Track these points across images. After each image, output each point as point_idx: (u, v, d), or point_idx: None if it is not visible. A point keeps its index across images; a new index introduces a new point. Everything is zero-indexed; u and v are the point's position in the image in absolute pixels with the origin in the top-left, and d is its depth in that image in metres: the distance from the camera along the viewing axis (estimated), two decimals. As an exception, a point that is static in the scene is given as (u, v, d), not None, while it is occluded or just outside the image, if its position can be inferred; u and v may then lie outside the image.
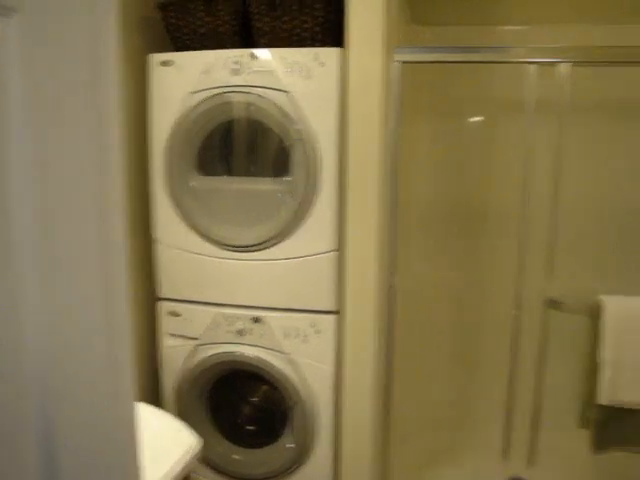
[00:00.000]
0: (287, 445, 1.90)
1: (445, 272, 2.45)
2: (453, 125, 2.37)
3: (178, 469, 1.23)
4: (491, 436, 2.06)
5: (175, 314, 1.92)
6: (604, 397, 1.78)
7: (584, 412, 1.90)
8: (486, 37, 2.23)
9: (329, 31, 1.74)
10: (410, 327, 2.36)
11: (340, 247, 1.76)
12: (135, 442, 0.65)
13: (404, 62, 1.70)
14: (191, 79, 1.77)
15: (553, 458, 2.10)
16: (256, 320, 1.84)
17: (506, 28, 2.24)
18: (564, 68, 1.65)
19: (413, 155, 2.34)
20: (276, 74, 1.71)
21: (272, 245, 1.79)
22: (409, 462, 2.25)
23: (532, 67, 1.67)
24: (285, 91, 1.71)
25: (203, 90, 1.77)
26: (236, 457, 1.98)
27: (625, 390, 1.78)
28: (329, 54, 1.68)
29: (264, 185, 1.82)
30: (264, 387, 2.02)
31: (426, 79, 2.30)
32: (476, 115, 2.36)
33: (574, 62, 1.66)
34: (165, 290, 1.93)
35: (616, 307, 1.78)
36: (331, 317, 1.79)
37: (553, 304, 1.77)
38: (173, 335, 1.94)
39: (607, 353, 1.77)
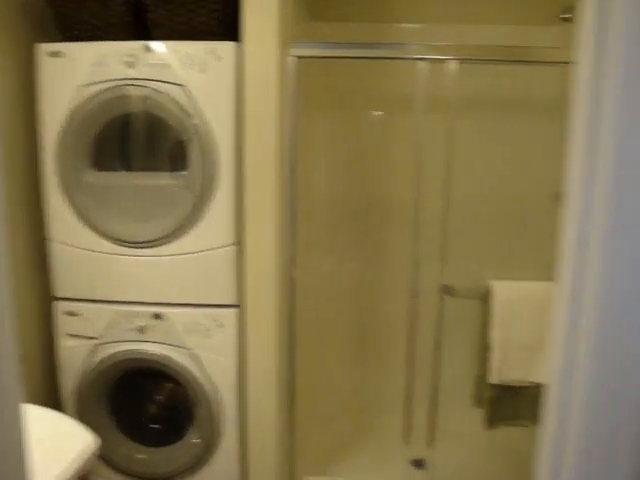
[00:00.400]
0: (192, 441, 1.89)
1: (346, 264, 2.51)
2: (353, 121, 2.43)
3: (73, 469, 1.20)
4: (393, 421, 2.13)
5: (72, 314, 1.86)
6: (494, 376, 1.89)
7: (478, 392, 2.01)
8: (383, 34, 2.30)
9: (225, 25, 1.74)
10: (313, 318, 2.40)
11: (239, 241, 1.77)
12: (21, 444, 0.64)
13: (300, 57, 1.73)
14: (83, 71, 1.72)
15: (451, 437, 2.21)
16: (157, 316, 1.82)
17: (402, 26, 2.32)
18: (453, 65, 1.73)
19: (315, 150, 2.38)
20: (172, 67, 1.69)
21: (171, 240, 1.77)
22: (315, 451, 2.29)
23: (423, 64, 1.74)
24: (181, 85, 1.69)
25: (96, 83, 1.72)
26: (141, 457, 1.95)
27: (512, 369, 1.89)
28: (225, 48, 1.68)
29: (162, 180, 1.80)
30: (168, 384, 2.00)
31: (327, 75, 2.35)
32: (376, 111, 2.42)
33: (462, 60, 1.75)
34: (61, 290, 1.87)
35: (503, 291, 1.89)
36: (232, 311, 1.80)
37: (447, 290, 1.86)
38: (71, 335, 1.88)
39: (496, 335, 1.88)
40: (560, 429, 0.80)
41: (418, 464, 2.09)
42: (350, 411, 2.58)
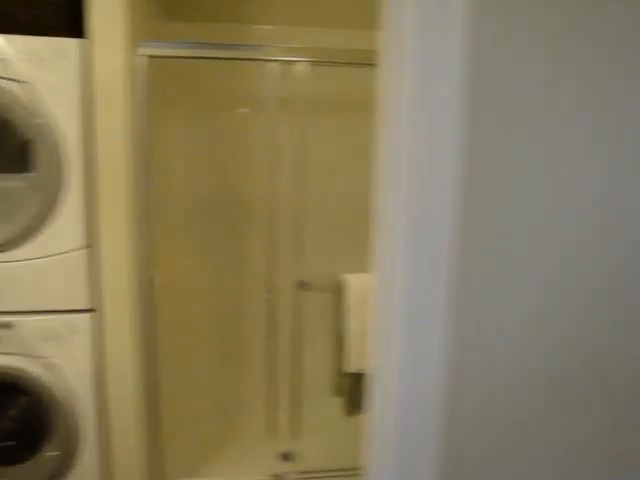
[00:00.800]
0: (50, 454, 1.82)
1: (206, 262, 2.51)
2: (213, 120, 2.44)
3: None
4: (259, 417, 2.17)
5: None
6: (351, 366, 1.98)
7: (336, 381, 2.09)
8: (240, 35, 2.33)
9: (69, 20, 1.69)
10: (174, 319, 2.38)
11: (92, 243, 1.73)
12: None
13: (151, 57, 1.72)
14: None
15: (315, 428, 2.28)
16: (6, 326, 1.73)
17: (259, 27, 2.36)
18: (306, 67, 1.79)
19: (175, 149, 2.36)
20: (12, 63, 1.61)
21: (18, 245, 1.69)
22: (183, 454, 2.27)
23: (276, 65, 1.79)
24: (22, 82, 1.62)
25: None
26: (-8, 477, 1.84)
27: (367, 357, 1.99)
28: (70, 45, 1.63)
29: (6, 182, 1.71)
30: (22, 397, 1.90)
31: (187, 75, 2.34)
32: (236, 111, 2.45)
33: (313, 62, 1.81)
34: None
35: (356, 284, 1.99)
36: (88, 315, 1.75)
37: (302, 285, 1.92)
38: None
39: (350, 326, 1.97)
40: (380, 412, 0.86)
41: (285, 457, 2.14)
42: (216, 411, 2.58)
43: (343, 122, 2.43)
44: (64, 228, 1.69)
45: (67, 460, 1.82)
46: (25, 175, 1.69)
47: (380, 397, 0.87)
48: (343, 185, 2.45)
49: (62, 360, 1.75)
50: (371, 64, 1.98)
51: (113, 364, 1.79)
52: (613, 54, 0.79)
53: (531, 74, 0.77)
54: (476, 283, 0.82)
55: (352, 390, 2.02)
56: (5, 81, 1.62)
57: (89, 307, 1.75)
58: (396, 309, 0.79)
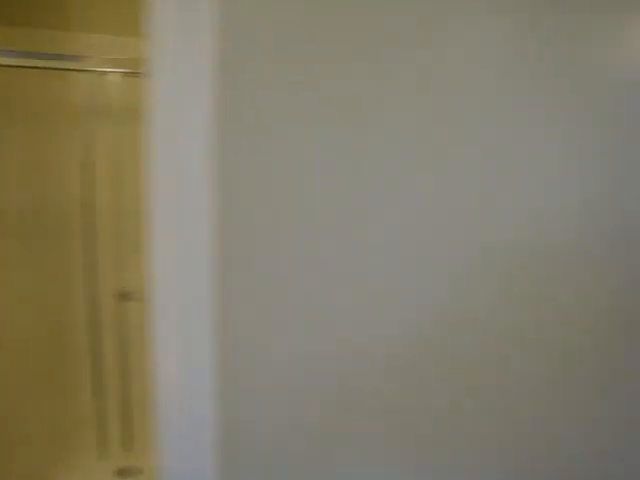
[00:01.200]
0: None
1: (24, 277, 2.35)
2: (30, 129, 2.32)
3: None
4: (91, 435, 2.10)
5: None
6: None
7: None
8: (62, 41, 2.25)
9: None
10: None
11: None
12: None
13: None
14: None
15: (149, 439, 2.25)
16: None
17: (74, 34, 2.29)
18: (114, 77, 1.78)
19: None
20: None
21: None
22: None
23: (88, 75, 1.76)
24: None
25: None
26: None
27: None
28: None
29: None
30: None
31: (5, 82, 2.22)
32: (52, 119, 2.34)
33: (126, 73, 1.80)
34: None
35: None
36: None
37: (125, 296, 1.90)
38: None
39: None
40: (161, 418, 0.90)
41: (121, 473, 2.09)
42: (45, 435, 2.45)
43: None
44: None
45: None
46: None
47: (160, 402, 0.90)
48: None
49: None
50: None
51: None
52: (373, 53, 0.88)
53: (281, 74, 0.84)
54: (238, 269, 0.87)
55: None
56: None
57: None
58: (166, 311, 0.83)
